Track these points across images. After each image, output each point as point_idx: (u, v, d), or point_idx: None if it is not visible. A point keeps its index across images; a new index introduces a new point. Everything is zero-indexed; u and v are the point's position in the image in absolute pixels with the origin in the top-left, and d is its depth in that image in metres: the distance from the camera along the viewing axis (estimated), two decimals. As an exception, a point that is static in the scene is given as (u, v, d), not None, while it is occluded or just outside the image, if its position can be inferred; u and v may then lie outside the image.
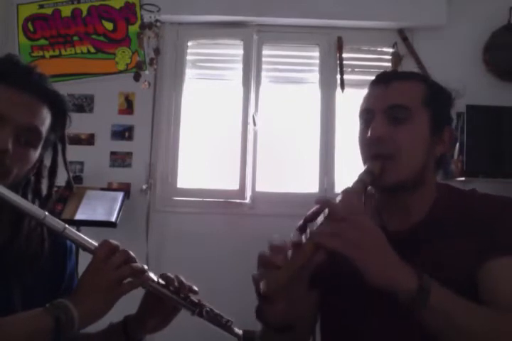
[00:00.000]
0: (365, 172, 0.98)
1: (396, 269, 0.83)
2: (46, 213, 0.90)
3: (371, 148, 1.01)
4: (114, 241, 0.95)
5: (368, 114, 1.04)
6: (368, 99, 1.07)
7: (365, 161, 1.03)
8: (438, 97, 1.05)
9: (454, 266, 0.97)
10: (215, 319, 1.00)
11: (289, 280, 0.83)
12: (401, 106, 1.00)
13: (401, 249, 0.98)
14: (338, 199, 0.90)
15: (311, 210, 0.90)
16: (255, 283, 0.88)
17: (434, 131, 1.03)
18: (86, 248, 0.93)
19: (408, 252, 0.98)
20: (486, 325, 0.85)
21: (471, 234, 0.98)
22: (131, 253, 0.94)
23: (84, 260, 0.96)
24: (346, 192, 0.92)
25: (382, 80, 1.05)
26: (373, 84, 1.07)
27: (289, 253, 0.86)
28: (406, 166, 1.00)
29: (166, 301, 1.00)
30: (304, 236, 0.86)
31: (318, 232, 0.84)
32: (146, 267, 0.95)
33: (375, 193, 1.08)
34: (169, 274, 1.01)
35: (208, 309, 0.99)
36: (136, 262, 0.94)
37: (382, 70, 3.16)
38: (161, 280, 0.98)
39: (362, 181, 0.96)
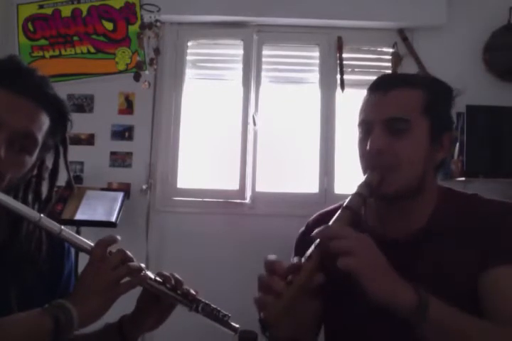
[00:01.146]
0: (363, 184, 0.97)
1: (395, 286, 0.84)
2: (41, 215, 0.89)
3: (370, 159, 1.00)
4: (111, 236, 0.94)
5: (366, 125, 1.02)
6: (366, 108, 1.04)
7: (364, 171, 1.02)
8: (438, 103, 1.02)
9: (455, 273, 0.96)
10: (212, 314, 1.01)
11: (290, 307, 0.84)
12: (400, 119, 0.98)
13: (402, 256, 0.98)
14: (334, 218, 0.92)
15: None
16: (257, 308, 0.88)
17: (434, 139, 1.01)
18: (82, 249, 0.93)
19: (409, 259, 0.98)
20: (485, 338, 0.85)
21: (473, 241, 0.97)
22: (128, 252, 0.94)
23: (84, 261, 0.96)
24: (341, 214, 0.93)
25: (381, 87, 1.02)
26: (371, 90, 1.05)
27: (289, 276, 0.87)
28: (406, 176, 0.99)
29: (163, 298, 1.00)
30: (302, 259, 0.88)
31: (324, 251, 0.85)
32: (143, 265, 0.95)
33: (374, 201, 1.07)
34: (165, 273, 1.01)
35: (204, 304, 1.00)
36: (133, 261, 0.94)
37: (382, 70, 3.18)
38: (157, 278, 0.99)
39: (360, 195, 0.96)
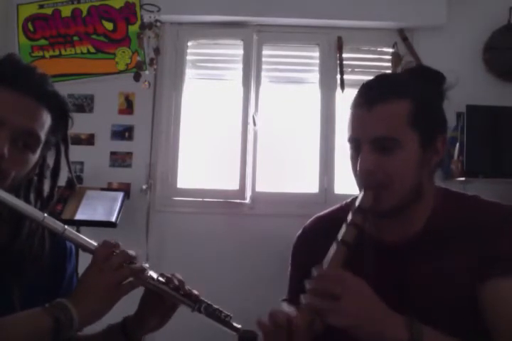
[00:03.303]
0: (357, 210, 0.95)
1: (385, 323, 0.82)
2: (45, 215, 0.90)
3: (362, 179, 0.99)
4: (114, 240, 0.95)
5: (355, 143, 1.01)
6: (352, 124, 1.02)
7: (359, 188, 1.01)
8: (428, 107, 0.99)
9: (454, 276, 0.94)
10: (214, 314, 1.01)
11: None
12: (387, 138, 0.96)
13: (398, 261, 0.98)
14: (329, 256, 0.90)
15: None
16: None
17: (427, 146, 0.98)
18: (86, 248, 0.93)
19: (407, 263, 0.98)
20: None
21: (472, 245, 0.95)
22: (131, 252, 0.94)
23: (84, 261, 0.96)
24: (336, 252, 0.90)
25: (365, 102, 0.99)
26: (356, 105, 1.02)
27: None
28: (399, 192, 0.97)
29: (166, 298, 1.00)
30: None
31: (312, 308, 0.84)
32: (147, 265, 0.95)
33: (371, 216, 1.04)
34: (167, 273, 1.01)
35: (206, 304, 1.01)
36: (135, 262, 0.94)
37: (382, 70, 3.16)
38: (160, 278, 0.99)
39: (354, 225, 0.93)
